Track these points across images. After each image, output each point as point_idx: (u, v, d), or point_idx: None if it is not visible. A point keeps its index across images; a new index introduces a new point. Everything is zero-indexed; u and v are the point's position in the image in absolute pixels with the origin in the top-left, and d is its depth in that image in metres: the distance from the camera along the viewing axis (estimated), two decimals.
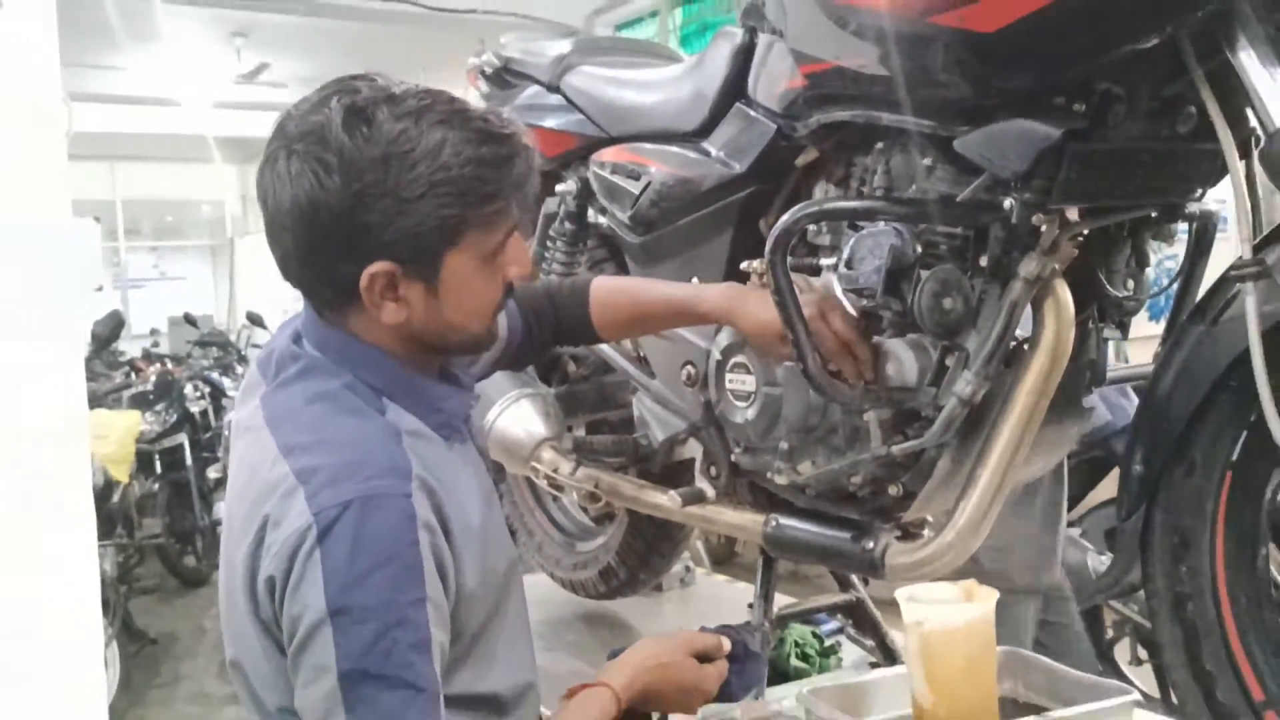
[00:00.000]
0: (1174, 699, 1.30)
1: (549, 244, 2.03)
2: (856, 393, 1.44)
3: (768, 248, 1.42)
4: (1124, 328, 1.54)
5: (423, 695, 1.03)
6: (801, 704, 1.63)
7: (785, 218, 1.43)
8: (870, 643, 1.98)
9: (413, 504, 1.06)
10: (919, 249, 1.39)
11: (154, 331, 11.32)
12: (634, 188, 1.81)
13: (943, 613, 1.59)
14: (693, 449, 1.85)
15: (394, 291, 1.13)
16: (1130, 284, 1.49)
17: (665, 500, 1.81)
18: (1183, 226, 1.46)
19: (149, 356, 7.91)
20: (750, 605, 1.79)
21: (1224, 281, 1.13)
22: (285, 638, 1.06)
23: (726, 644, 1.39)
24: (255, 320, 8.02)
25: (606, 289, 1.60)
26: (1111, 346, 1.56)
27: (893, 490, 1.50)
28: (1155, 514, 1.20)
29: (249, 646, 1.12)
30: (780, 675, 1.87)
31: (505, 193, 1.14)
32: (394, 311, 1.14)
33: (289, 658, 1.06)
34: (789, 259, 1.44)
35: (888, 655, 1.92)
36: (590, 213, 1.99)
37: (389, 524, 1.04)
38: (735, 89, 1.67)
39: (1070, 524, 2.71)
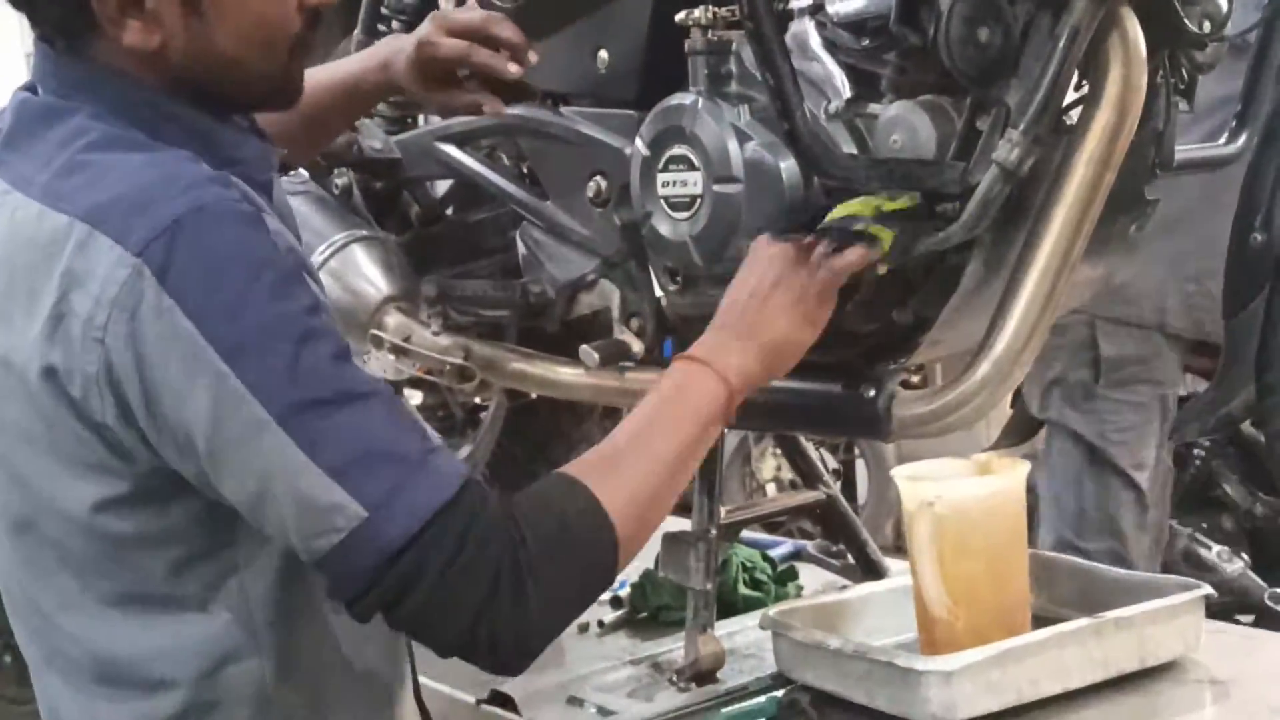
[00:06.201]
0: None
1: (381, 31, 1.89)
2: (861, 164, 1.38)
3: None
4: (1189, 92, 1.49)
5: (378, 398, 1.09)
6: (768, 628, 1.63)
7: None
8: (839, 563, 1.97)
9: (251, 209, 1.10)
10: None
11: None
12: None
13: (960, 489, 1.54)
14: (601, 299, 1.80)
15: (138, 5, 1.12)
16: (1206, 23, 1.43)
17: (568, 372, 1.75)
18: None
19: None
20: (665, 534, 1.73)
21: None
22: (171, 430, 1.07)
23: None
24: None
25: None
26: None
27: (899, 316, 1.46)
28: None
29: (56, 498, 1.13)
30: (727, 606, 1.86)
31: None
32: (140, 33, 1.12)
33: (205, 451, 1.07)
34: None
35: (870, 572, 1.91)
36: None
37: (238, 231, 1.08)
38: None
39: None
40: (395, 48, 1.60)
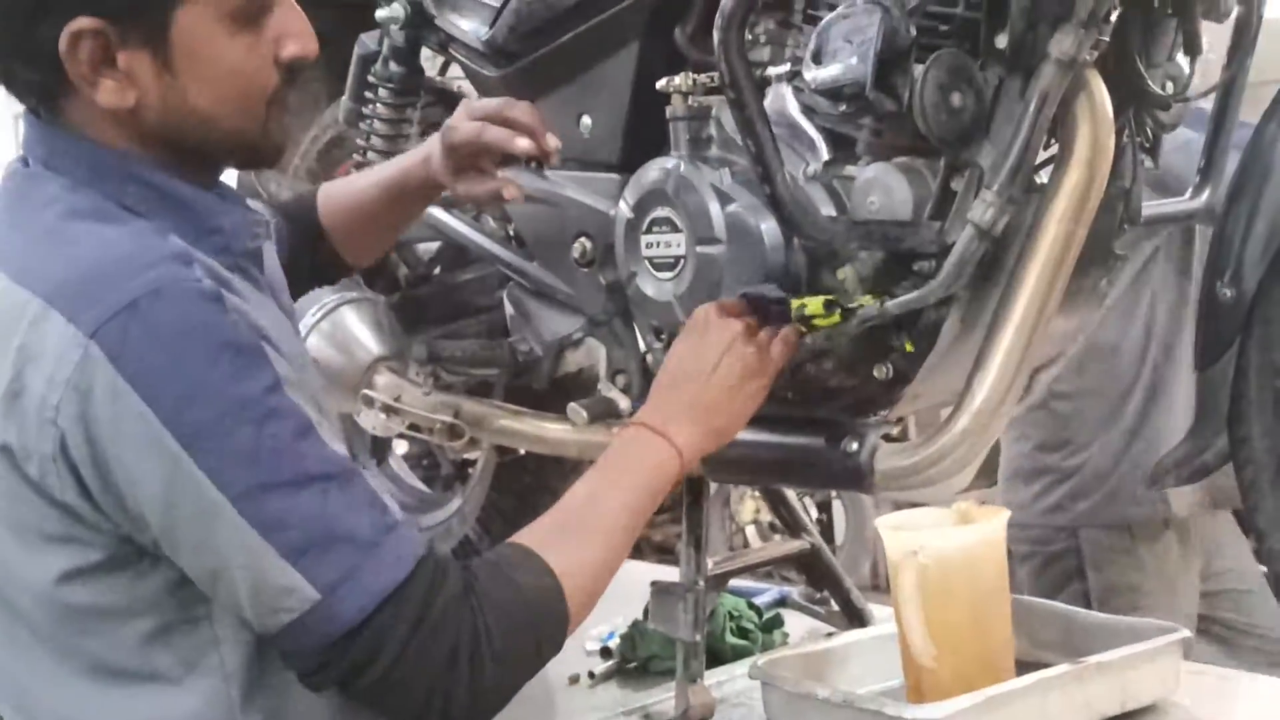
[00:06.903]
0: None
1: (368, 98, 1.91)
2: (841, 226, 1.39)
3: (719, 25, 1.35)
4: (1154, 150, 1.52)
5: (337, 478, 1.09)
6: (758, 678, 1.62)
7: None
8: (823, 610, 1.97)
9: (212, 286, 1.07)
10: (913, 31, 1.34)
11: None
12: None
13: (943, 538, 1.57)
14: (587, 356, 1.79)
15: (111, 64, 1.12)
16: (1169, 85, 1.47)
17: (556, 428, 1.75)
18: None
19: None
20: (653, 584, 1.73)
21: None
22: (125, 508, 1.07)
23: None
24: None
25: (332, 184, 1.62)
26: None
27: (879, 373, 1.46)
28: (1250, 353, 1.15)
29: (18, 571, 1.12)
30: (715, 655, 1.85)
31: None
32: (115, 91, 1.12)
33: (159, 529, 1.07)
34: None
35: (854, 619, 1.90)
36: (425, 51, 1.88)
37: (196, 312, 1.06)
38: None
39: None
40: (435, 142, 1.59)
